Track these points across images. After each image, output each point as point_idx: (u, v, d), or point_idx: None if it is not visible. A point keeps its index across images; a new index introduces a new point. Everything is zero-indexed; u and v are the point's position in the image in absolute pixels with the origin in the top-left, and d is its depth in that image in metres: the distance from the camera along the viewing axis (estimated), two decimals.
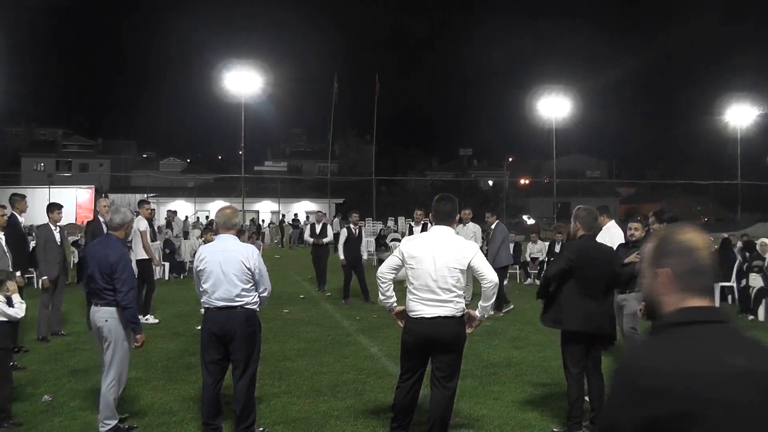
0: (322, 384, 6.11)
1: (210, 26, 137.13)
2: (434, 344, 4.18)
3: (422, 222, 11.17)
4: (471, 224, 10.79)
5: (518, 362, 7.05)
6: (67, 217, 23.57)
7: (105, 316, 4.73)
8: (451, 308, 4.16)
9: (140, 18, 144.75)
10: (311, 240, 12.93)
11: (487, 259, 8.75)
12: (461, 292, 4.23)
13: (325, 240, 12.88)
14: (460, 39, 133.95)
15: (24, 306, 5.15)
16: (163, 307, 10.42)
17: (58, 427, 4.98)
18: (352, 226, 11.77)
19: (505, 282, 11.70)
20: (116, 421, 4.76)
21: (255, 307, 4.63)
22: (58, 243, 8.23)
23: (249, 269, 4.52)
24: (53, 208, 8.38)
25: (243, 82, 33.30)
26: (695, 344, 1.51)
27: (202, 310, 4.75)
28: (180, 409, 5.38)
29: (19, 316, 5.09)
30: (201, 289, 4.63)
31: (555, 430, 4.92)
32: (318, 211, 14.40)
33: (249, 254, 4.57)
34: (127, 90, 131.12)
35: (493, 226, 10.79)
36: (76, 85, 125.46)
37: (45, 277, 7.94)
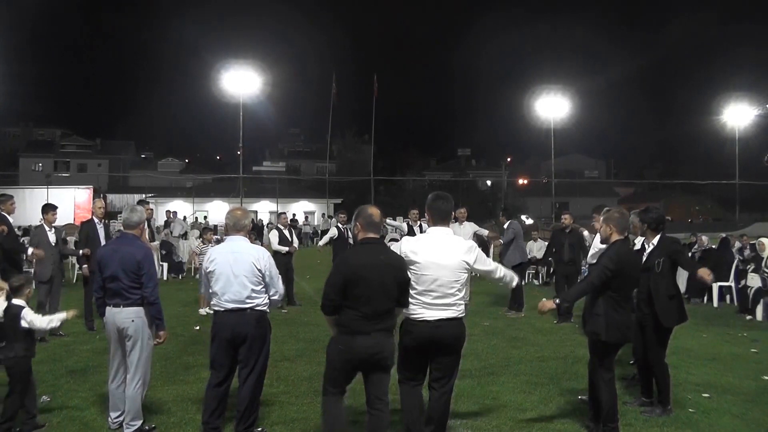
0: (321, 384, 6.10)
1: (208, 26, 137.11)
2: (436, 347, 4.13)
3: (418, 222, 11.08)
4: (467, 223, 10.78)
5: (516, 362, 7.05)
6: (66, 217, 23.60)
7: (131, 316, 4.67)
8: (455, 310, 4.13)
9: (138, 18, 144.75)
10: (284, 249, 11.00)
11: (500, 258, 8.72)
12: (464, 294, 4.21)
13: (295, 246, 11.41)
14: (458, 39, 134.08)
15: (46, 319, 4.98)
16: (163, 307, 10.39)
17: (57, 427, 4.96)
18: (340, 225, 11.78)
19: (523, 282, 11.70)
20: (141, 422, 4.75)
21: (266, 308, 4.59)
22: (53, 244, 8.18)
23: (260, 270, 4.50)
24: (48, 209, 8.30)
25: (241, 82, 33.27)
26: (363, 251, 3.96)
27: (203, 311, 4.74)
28: (178, 409, 5.37)
29: (44, 327, 4.95)
30: (211, 291, 4.58)
31: (590, 424, 4.87)
32: (283, 213, 12.28)
33: (260, 256, 4.54)
34: (126, 90, 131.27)
35: (505, 226, 10.79)
36: (74, 85, 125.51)
37: (31, 250, 7.79)
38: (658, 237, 5.41)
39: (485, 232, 10.85)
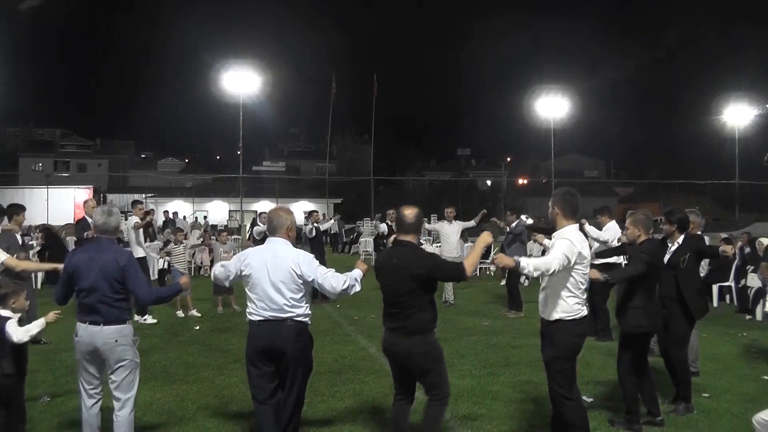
0: (321, 384, 6.10)
1: (208, 26, 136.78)
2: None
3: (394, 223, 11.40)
4: (455, 222, 11.01)
5: (516, 362, 7.05)
6: (66, 217, 23.59)
7: (114, 336, 4.03)
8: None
9: (138, 18, 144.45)
10: None
11: (506, 249, 8.73)
12: None
13: None
14: (458, 39, 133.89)
15: (36, 325, 4.51)
16: (160, 307, 10.39)
17: (57, 427, 4.98)
18: (315, 224, 11.89)
19: (522, 281, 11.85)
20: None
21: (307, 320, 4.19)
22: (20, 246, 7.88)
23: (300, 276, 4.09)
24: (17, 210, 7.98)
25: (241, 81, 33.22)
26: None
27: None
28: (178, 409, 5.39)
29: (22, 338, 4.38)
30: (247, 298, 4.24)
31: (614, 419, 5.05)
32: (264, 212, 12.12)
33: (299, 260, 4.14)
34: (125, 90, 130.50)
35: (514, 225, 10.88)
36: (73, 85, 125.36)
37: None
38: (682, 236, 5.62)
39: (472, 223, 11.36)
